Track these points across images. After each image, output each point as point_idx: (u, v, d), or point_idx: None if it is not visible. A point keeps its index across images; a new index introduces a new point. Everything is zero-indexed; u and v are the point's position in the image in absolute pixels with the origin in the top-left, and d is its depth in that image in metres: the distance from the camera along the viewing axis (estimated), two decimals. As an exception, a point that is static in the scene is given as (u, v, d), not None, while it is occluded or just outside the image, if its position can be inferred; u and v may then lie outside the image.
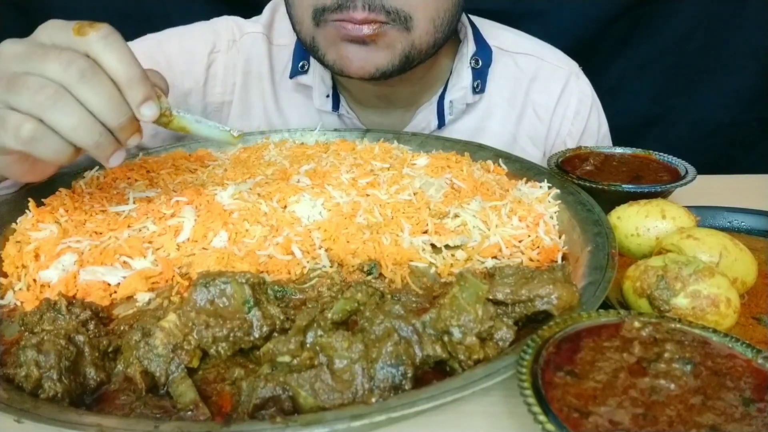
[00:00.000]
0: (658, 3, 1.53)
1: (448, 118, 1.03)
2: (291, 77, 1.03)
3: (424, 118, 1.04)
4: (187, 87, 1.02)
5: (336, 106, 1.03)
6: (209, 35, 1.06)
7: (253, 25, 1.08)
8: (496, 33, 1.08)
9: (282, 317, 0.51)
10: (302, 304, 0.57)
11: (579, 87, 1.09)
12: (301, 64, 1.02)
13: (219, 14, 1.67)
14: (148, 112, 0.57)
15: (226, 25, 1.07)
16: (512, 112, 1.07)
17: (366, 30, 0.81)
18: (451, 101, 1.02)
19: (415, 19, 0.82)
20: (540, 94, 1.08)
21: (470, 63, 1.01)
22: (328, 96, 1.02)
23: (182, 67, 1.01)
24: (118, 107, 0.55)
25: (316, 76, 1.02)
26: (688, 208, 0.69)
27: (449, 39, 0.93)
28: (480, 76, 1.02)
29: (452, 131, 1.06)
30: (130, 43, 0.59)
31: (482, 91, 1.03)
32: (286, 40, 1.06)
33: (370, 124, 1.06)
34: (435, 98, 1.03)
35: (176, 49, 1.03)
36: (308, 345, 0.47)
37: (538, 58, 1.08)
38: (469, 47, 1.02)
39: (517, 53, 1.08)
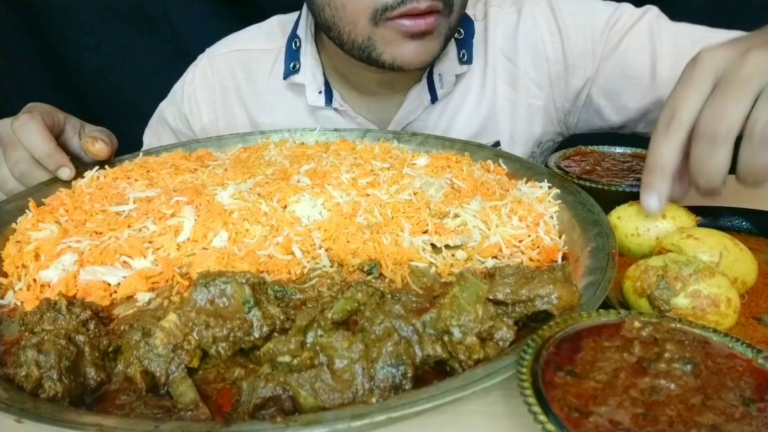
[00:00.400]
0: (659, 3, 1.52)
1: (440, 92, 1.04)
2: (285, 78, 1.07)
3: (417, 97, 1.05)
4: (197, 129, 1.18)
5: (329, 100, 1.06)
6: (178, 96, 1.20)
7: (226, 46, 1.17)
8: (474, 2, 1.10)
9: (282, 317, 0.51)
10: (302, 304, 0.57)
11: (536, 9, 1.05)
12: (292, 64, 1.06)
13: (218, 14, 1.67)
14: (62, 176, 0.81)
15: (193, 71, 1.19)
16: (487, 68, 1.07)
17: (426, 23, 0.84)
18: (440, 74, 1.03)
19: (455, 2, 0.87)
20: (503, 38, 1.07)
21: (454, 35, 1.02)
22: (320, 92, 1.05)
23: (183, 129, 1.19)
24: (41, 147, 0.81)
25: (308, 74, 1.05)
26: (688, 208, 0.69)
27: None
28: (465, 46, 1.04)
29: (444, 105, 1.07)
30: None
31: (469, 61, 1.04)
32: (271, 44, 1.12)
33: (364, 112, 1.08)
34: (424, 75, 1.04)
35: (171, 119, 1.21)
36: (308, 345, 0.47)
37: (498, 7, 1.08)
38: None
39: (485, 15, 1.08)
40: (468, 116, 1.07)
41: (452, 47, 1.03)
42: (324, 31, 0.95)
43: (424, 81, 1.04)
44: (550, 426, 0.36)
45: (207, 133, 1.16)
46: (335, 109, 1.07)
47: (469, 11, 1.06)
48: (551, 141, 1.15)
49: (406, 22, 0.84)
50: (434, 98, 1.05)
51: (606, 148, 0.90)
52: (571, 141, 1.12)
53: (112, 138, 0.89)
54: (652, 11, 1.03)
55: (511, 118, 1.08)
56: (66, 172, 0.81)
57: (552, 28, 1.04)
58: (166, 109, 1.23)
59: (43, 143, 0.80)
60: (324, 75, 1.05)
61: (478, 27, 1.07)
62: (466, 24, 1.04)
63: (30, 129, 0.80)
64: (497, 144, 1.08)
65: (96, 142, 0.84)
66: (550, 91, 1.07)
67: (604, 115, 1.06)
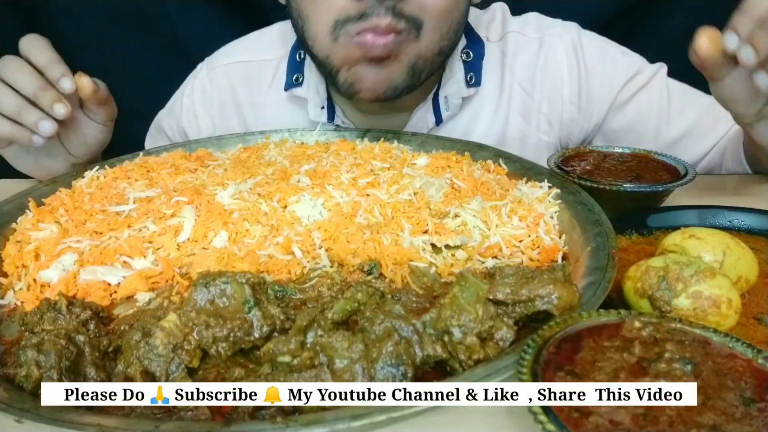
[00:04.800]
0: (658, 3, 1.52)
1: (445, 114, 1.02)
2: (286, 89, 1.06)
3: (421, 118, 1.03)
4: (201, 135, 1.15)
5: (331, 116, 1.04)
6: (177, 108, 1.19)
7: (225, 57, 1.15)
8: (488, 23, 1.09)
9: (282, 317, 0.51)
10: (302, 304, 0.57)
11: (559, 44, 1.04)
12: (295, 76, 1.04)
13: (218, 14, 1.67)
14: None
15: (192, 83, 1.17)
16: (502, 95, 1.06)
17: (385, 43, 0.81)
18: (446, 97, 1.02)
19: (425, 27, 0.83)
20: (521, 67, 1.05)
21: (461, 56, 1.01)
22: (323, 107, 1.03)
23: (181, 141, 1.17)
24: (32, 82, 0.76)
25: (311, 88, 1.03)
26: (689, 207, 0.69)
27: (455, 46, 0.94)
28: (472, 68, 1.02)
29: (452, 128, 1.05)
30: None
31: (477, 84, 1.02)
32: (271, 54, 1.10)
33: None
34: (430, 96, 1.02)
35: (168, 130, 1.20)
36: (308, 345, 0.47)
37: (519, 33, 1.06)
38: (460, 41, 1.01)
39: (502, 37, 1.07)
40: (477, 140, 1.02)
41: (459, 69, 1.01)
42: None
43: (429, 102, 1.02)
44: (550, 426, 0.36)
45: None
46: (337, 126, 1.05)
47: (481, 32, 1.05)
48: None
49: (368, 40, 0.81)
50: (439, 120, 1.03)
51: (606, 148, 0.89)
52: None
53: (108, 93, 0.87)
54: (663, 70, 1.05)
55: (520, 149, 1.05)
56: (62, 108, 0.76)
57: (572, 70, 1.03)
58: (164, 119, 1.21)
59: (32, 79, 0.75)
60: (327, 89, 1.03)
61: (492, 48, 1.05)
62: (475, 46, 1.02)
63: (37, 42, 0.76)
64: None
65: (83, 76, 0.81)
66: (559, 131, 1.07)
67: (630, 142, 1.06)
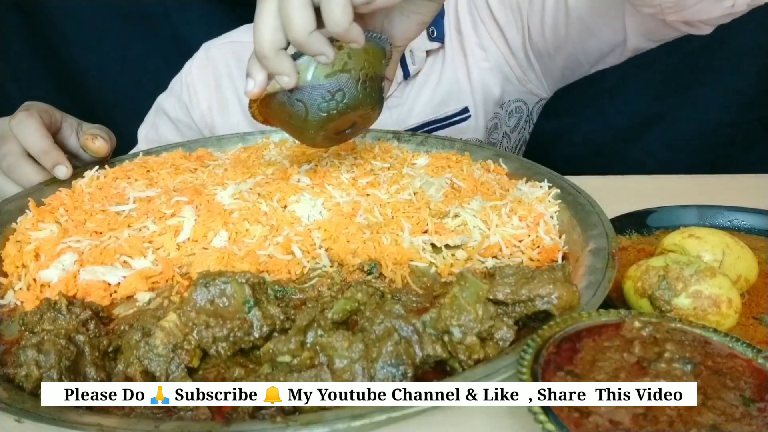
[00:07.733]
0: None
1: (412, 68, 1.09)
2: None
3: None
4: (196, 117, 1.22)
5: None
6: (177, 86, 1.24)
7: (220, 39, 1.24)
8: None
9: (282, 317, 0.51)
10: (302, 304, 0.57)
11: None
12: None
13: (218, 14, 1.67)
14: (59, 174, 0.79)
15: (191, 63, 1.24)
16: (444, 42, 1.11)
17: None
18: (411, 50, 1.07)
19: None
20: (452, 13, 1.10)
21: None
22: None
23: (183, 117, 1.23)
24: (35, 144, 0.79)
25: None
26: (689, 207, 0.69)
27: None
28: (433, 23, 1.07)
29: (416, 81, 1.11)
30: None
31: (438, 38, 1.08)
32: None
33: None
34: None
35: (170, 109, 1.24)
36: (308, 345, 0.47)
37: None
38: None
39: None
40: (433, 87, 1.11)
41: None
42: None
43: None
44: (550, 426, 0.36)
45: (205, 119, 1.20)
46: None
47: None
48: (520, 102, 1.18)
49: None
50: (407, 74, 1.09)
51: None
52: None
53: (111, 135, 0.89)
54: None
55: (468, 83, 1.12)
56: (62, 170, 0.80)
57: None
58: (165, 101, 1.25)
59: (39, 140, 0.79)
60: None
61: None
62: None
63: (27, 126, 0.79)
64: (466, 110, 1.13)
65: (95, 139, 0.84)
66: (497, 51, 1.10)
67: (566, 60, 1.06)
